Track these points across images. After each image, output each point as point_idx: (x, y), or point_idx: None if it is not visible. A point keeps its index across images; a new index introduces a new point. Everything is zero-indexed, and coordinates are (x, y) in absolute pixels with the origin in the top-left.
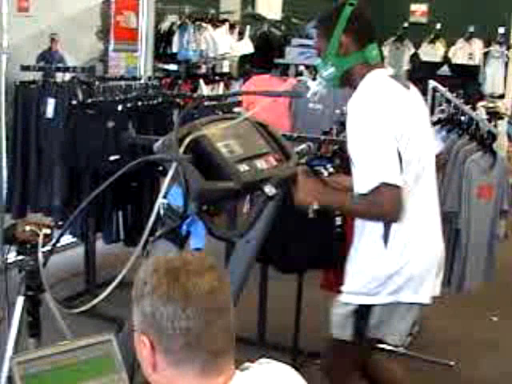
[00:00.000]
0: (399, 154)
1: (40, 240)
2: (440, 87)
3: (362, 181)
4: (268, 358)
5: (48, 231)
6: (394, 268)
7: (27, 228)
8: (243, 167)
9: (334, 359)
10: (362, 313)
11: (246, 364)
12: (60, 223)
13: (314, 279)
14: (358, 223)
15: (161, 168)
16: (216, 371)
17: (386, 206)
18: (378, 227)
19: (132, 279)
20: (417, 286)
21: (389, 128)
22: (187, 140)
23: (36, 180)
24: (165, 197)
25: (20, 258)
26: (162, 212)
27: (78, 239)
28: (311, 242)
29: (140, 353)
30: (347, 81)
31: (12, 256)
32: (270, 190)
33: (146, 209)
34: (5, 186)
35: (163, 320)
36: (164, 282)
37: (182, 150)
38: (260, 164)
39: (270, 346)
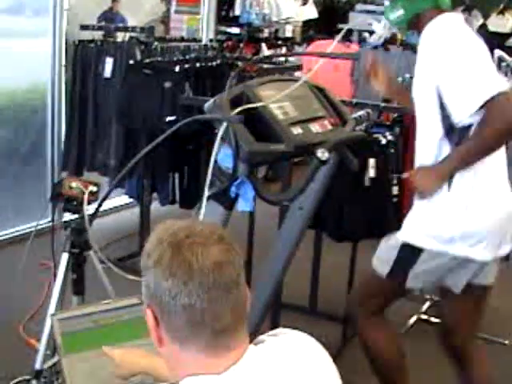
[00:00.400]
0: None
1: (86, 197)
2: (506, 57)
3: (467, 102)
4: (319, 326)
5: (94, 189)
6: (453, 215)
7: (73, 185)
8: (296, 130)
9: (363, 291)
10: (410, 254)
11: (261, 337)
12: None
13: (369, 248)
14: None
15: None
16: (223, 348)
17: (508, 112)
18: None
19: None
20: (475, 241)
21: (477, 47)
22: (241, 108)
23: (92, 139)
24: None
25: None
26: None
27: (134, 200)
28: (367, 210)
29: (147, 325)
30: (415, 25)
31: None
32: (322, 154)
33: (202, 171)
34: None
35: (165, 295)
36: (166, 255)
37: (235, 112)
38: (314, 127)
39: (321, 314)
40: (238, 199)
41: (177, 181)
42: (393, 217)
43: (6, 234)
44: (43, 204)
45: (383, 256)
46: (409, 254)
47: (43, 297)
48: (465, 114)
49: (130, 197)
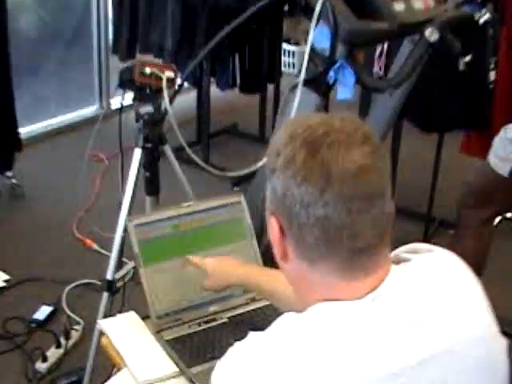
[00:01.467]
0: None
1: (164, 84)
2: None
3: None
4: (398, 224)
5: (171, 74)
6: None
7: (147, 70)
8: (399, 6)
9: (479, 195)
10: None
11: (403, 255)
12: None
13: (453, 141)
14: None
15: (286, 8)
16: (361, 271)
17: None
18: None
19: (249, 127)
20: None
21: None
22: None
23: (146, 17)
24: (293, 43)
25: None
26: (283, 58)
27: (191, 84)
28: (459, 98)
29: (270, 235)
30: None
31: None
32: (431, 33)
33: (265, 52)
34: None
35: (296, 204)
36: (300, 156)
37: None
38: (417, 4)
39: (400, 211)
40: (336, 86)
41: (237, 63)
42: (488, 105)
43: (50, 125)
44: (89, 91)
45: (502, 153)
46: None
47: (95, 192)
48: None
49: (185, 80)
